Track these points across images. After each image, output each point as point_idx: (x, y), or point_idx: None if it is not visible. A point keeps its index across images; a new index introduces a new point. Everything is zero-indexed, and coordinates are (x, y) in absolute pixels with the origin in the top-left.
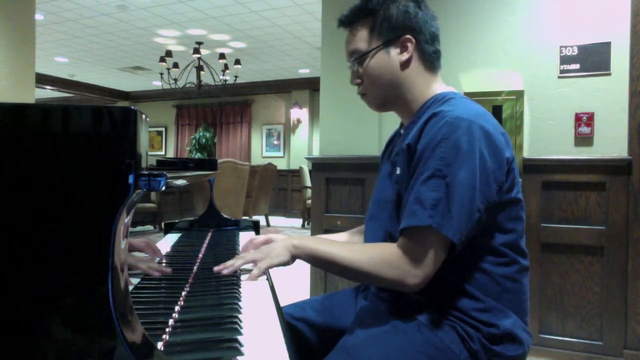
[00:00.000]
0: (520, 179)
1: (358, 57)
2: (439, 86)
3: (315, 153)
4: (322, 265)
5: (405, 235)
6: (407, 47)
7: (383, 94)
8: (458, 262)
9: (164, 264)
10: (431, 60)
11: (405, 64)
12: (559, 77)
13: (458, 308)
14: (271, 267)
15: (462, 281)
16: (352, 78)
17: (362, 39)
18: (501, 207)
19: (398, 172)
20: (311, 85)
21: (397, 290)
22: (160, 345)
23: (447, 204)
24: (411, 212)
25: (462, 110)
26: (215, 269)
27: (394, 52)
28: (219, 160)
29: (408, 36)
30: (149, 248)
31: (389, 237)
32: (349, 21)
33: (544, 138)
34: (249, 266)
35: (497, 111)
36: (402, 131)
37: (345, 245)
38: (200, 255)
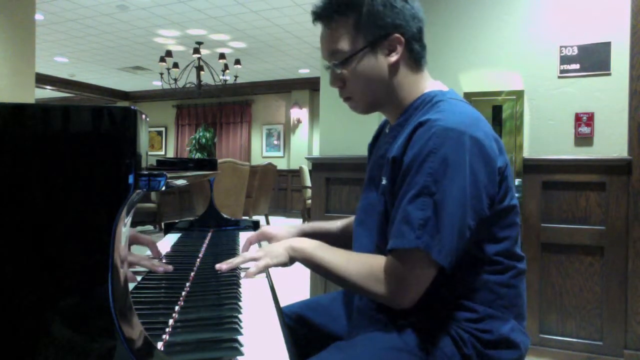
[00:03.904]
0: (515, 183)
1: (341, 59)
2: (427, 83)
3: (315, 153)
4: (317, 271)
5: (393, 255)
6: (396, 48)
7: (370, 98)
8: (449, 276)
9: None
10: (419, 58)
11: (393, 66)
12: (559, 77)
13: (451, 318)
14: (269, 267)
15: (455, 294)
16: (333, 80)
17: (344, 37)
18: (494, 218)
19: (384, 182)
20: (311, 85)
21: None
22: (160, 345)
23: (435, 223)
24: (399, 233)
25: (451, 119)
26: (217, 266)
27: (382, 53)
28: (219, 160)
29: (397, 35)
30: (154, 248)
31: (377, 249)
32: (327, 15)
33: (544, 138)
34: (250, 264)
35: (497, 111)
36: (387, 130)
37: (342, 254)
38: (200, 255)
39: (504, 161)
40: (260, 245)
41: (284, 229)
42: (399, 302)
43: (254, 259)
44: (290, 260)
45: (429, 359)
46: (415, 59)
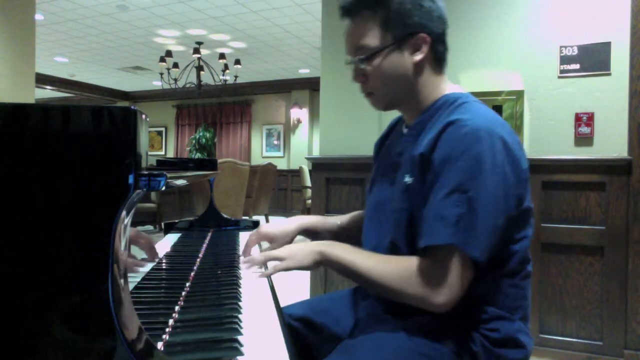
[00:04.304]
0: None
1: (367, 55)
2: (447, 85)
3: (315, 153)
4: (346, 274)
5: (427, 253)
6: (421, 47)
7: (392, 95)
8: None
9: (164, 264)
10: (441, 59)
11: (418, 65)
12: (559, 77)
13: (461, 318)
14: (289, 269)
15: (469, 294)
16: (356, 75)
17: (371, 33)
18: (515, 219)
19: (408, 180)
20: (311, 85)
21: (423, 308)
22: (160, 345)
23: (470, 220)
24: (432, 230)
25: (481, 120)
26: (242, 259)
27: (407, 51)
28: (219, 160)
29: (423, 35)
30: (151, 252)
31: (394, 246)
32: (356, 11)
33: (544, 138)
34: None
35: (497, 111)
36: (404, 129)
37: (372, 257)
38: (200, 255)
39: (526, 164)
40: (260, 247)
41: (283, 229)
42: (436, 302)
43: (278, 259)
44: (315, 265)
45: (437, 357)
46: (439, 59)
